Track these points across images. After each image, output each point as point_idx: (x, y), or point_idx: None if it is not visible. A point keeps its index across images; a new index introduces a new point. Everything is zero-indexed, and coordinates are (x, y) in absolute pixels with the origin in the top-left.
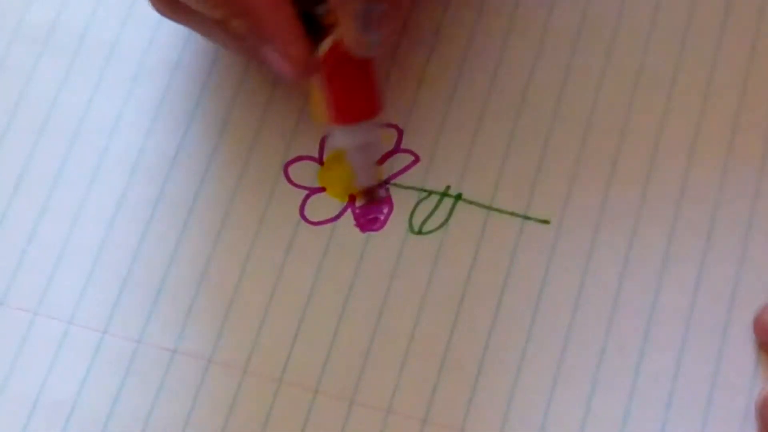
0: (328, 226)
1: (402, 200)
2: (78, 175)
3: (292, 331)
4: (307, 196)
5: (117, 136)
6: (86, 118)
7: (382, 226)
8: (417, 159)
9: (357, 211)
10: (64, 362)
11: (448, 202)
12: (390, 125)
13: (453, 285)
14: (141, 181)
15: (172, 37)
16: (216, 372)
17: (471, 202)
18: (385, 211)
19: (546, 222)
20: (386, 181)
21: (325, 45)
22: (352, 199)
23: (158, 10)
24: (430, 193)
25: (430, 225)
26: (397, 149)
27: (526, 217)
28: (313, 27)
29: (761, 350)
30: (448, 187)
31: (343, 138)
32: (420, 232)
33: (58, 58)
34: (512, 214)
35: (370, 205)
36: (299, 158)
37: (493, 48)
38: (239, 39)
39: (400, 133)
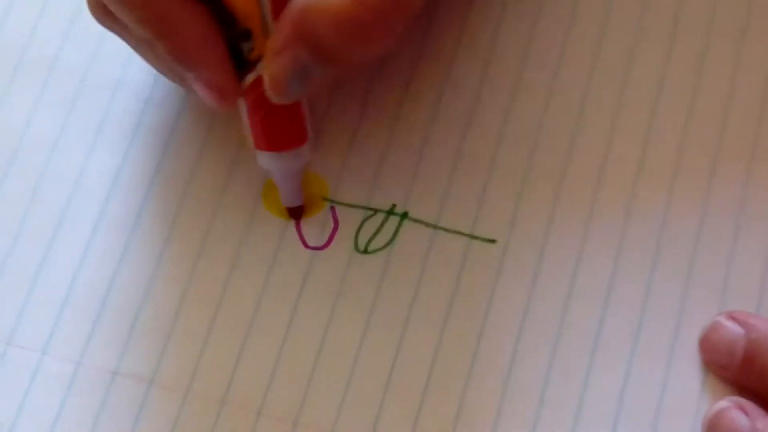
0: (272, 245)
1: (347, 219)
2: (17, 193)
3: (235, 351)
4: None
5: (57, 154)
6: (26, 135)
7: (327, 244)
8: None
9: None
10: (2, 384)
11: (394, 220)
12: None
13: (399, 304)
14: (81, 200)
15: (114, 54)
16: (157, 394)
17: (417, 221)
18: (332, 227)
19: (493, 241)
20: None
21: (249, 80)
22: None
23: (93, 15)
24: (376, 211)
25: (375, 243)
26: None
27: (473, 237)
28: (239, 61)
29: (707, 370)
30: (394, 206)
31: (265, 161)
32: (366, 251)
33: None
34: (459, 233)
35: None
36: None
37: (440, 66)
38: (165, 61)
39: None
